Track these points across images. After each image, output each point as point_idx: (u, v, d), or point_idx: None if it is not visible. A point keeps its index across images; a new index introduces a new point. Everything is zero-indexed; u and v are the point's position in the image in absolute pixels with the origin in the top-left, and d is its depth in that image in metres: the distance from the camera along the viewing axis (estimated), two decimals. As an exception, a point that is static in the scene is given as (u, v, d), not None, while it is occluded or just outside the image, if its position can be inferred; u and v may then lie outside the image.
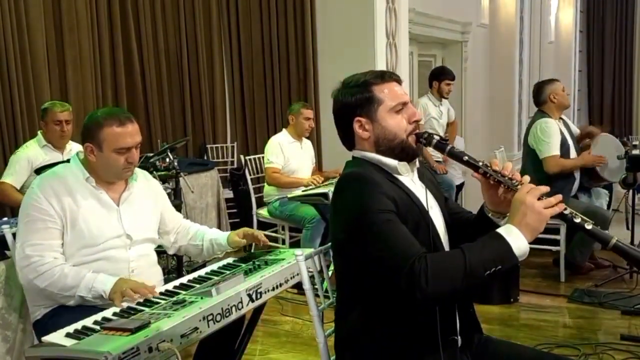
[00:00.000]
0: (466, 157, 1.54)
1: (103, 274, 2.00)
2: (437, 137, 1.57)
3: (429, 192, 1.61)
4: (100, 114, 2.10)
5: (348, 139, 1.64)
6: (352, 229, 1.46)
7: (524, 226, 1.37)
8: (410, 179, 1.61)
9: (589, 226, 1.39)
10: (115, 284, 1.94)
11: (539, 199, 1.39)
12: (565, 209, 1.40)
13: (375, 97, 1.57)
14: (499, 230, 1.40)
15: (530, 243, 1.38)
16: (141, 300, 1.87)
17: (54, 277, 1.96)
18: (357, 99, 1.58)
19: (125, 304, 1.85)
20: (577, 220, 1.39)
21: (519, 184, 1.46)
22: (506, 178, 1.48)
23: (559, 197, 1.41)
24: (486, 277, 1.35)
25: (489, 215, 1.59)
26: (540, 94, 4.07)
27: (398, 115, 1.58)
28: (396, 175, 1.58)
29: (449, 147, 1.56)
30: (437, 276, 1.33)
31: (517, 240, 1.36)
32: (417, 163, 1.65)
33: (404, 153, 1.58)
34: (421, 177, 1.65)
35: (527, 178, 1.47)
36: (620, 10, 10.73)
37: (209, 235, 2.38)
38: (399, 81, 1.62)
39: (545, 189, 1.41)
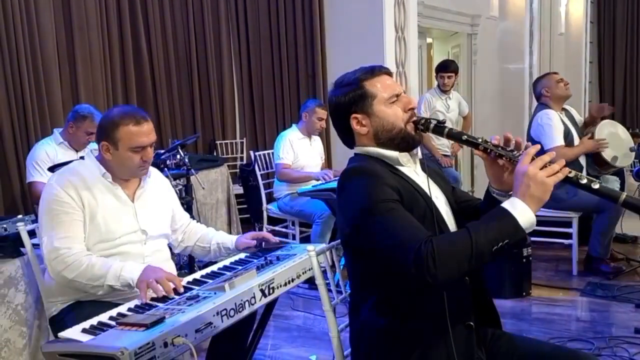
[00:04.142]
0: (465, 137, 1.54)
1: (131, 262, 2.01)
2: (434, 122, 1.58)
3: (433, 182, 1.61)
4: (116, 113, 2.11)
5: (347, 137, 1.66)
6: (357, 222, 1.46)
7: (528, 197, 1.36)
8: (413, 170, 1.62)
9: (595, 185, 1.38)
10: (142, 273, 1.93)
11: (542, 167, 1.37)
12: (570, 172, 1.39)
13: (368, 92, 1.59)
14: (503, 204, 1.39)
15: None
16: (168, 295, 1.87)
17: (82, 268, 1.96)
18: (350, 97, 1.59)
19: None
20: (584, 181, 1.38)
21: (519, 155, 1.44)
22: (506, 150, 1.48)
23: (562, 162, 1.39)
24: (494, 252, 1.35)
25: (495, 195, 1.59)
26: (534, 89, 4.11)
27: (393, 106, 1.59)
28: (398, 167, 1.59)
29: (447, 129, 1.56)
30: (444, 258, 1.33)
31: (523, 212, 1.35)
32: (419, 154, 1.66)
33: (405, 142, 1.59)
34: (424, 169, 1.66)
35: (534, 149, 1.43)
36: (631, 0, 10.60)
37: (216, 239, 2.39)
38: (389, 74, 1.64)
39: (548, 157, 1.40)
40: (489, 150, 1.50)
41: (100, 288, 1.99)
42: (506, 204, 1.39)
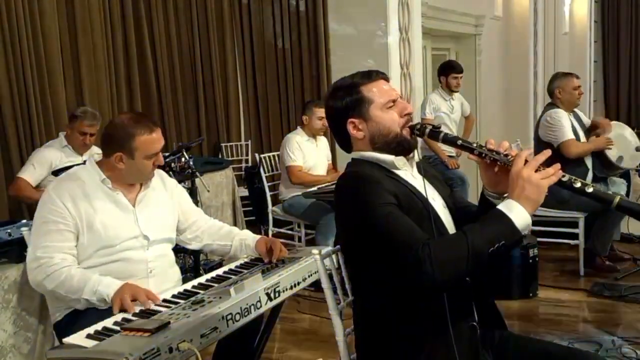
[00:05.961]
0: (460, 141, 1.55)
1: (110, 278, 1.97)
2: (429, 127, 1.59)
3: (430, 185, 1.62)
4: (127, 123, 2.09)
5: (345, 141, 1.66)
6: (355, 227, 1.48)
7: (523, 199, 1.38)
8: (410, 173, 1.63)
9: (589, 189, 1.38)
10: (119, 289, 1.89)
11: (536, 170, 1.38)
12: (564, 176, 1.40)
13: (364, 97, 1.59)
14: (499, 206, 1.41)
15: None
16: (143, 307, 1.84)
17: (61, 278, 1.95)
18: (347, 101, 1.60)
19: (120, 316, 1.80)
20: (577, 185, 1.39)
21: (513, 159, 1.45)
22: (501, 155, 1.48)
23: (557, 165, 1.41)
24: (491, 254, 1.36)
25: (489, 198, 1.59)
26: (550, 84, 4.12)
27: (390, 111, 1.60)
28: (395, 171, 1.60)
29: (442, 134, 1.57)
30: (441, 261, 1.34)
31: (519, 214, 1.37)
32: (416, 157, 1.67)
33: (400, 147, 1.60)
34: (420, 172, 1.66)
35: (527, 152, 1.45)
36: (635, -1, 10.56)
37: (239, 236, 2.35)
38: (386, 79, 1.65)
39: (541, 158, 1.41)
40: (483, 155, 1.51)
41: (77, 302, 1.98)
42: (502, 206, 1.40)
